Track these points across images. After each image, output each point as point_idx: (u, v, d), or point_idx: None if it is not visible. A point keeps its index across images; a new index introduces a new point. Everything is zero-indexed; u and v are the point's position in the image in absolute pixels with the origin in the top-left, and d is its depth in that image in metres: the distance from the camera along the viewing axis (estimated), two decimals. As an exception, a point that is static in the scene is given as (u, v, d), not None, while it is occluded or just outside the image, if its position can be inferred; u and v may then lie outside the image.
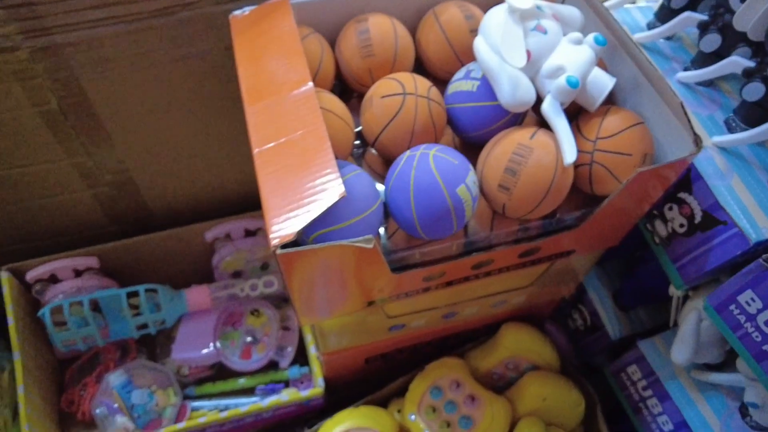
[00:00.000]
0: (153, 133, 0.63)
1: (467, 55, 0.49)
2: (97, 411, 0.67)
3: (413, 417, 0.64)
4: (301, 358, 0.74)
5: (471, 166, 0.42)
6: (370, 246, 0.36)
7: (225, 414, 0.65)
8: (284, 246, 0.35)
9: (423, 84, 0.45)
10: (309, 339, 0.69)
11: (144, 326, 0.69)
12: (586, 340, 0.71)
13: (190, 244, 0.72)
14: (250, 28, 0.47)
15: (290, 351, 0.73)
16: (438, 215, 0.40)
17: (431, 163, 0.40)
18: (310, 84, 0.41)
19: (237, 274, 0.75)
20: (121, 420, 0.65)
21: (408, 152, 0.41)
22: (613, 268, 0.69)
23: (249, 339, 0.72)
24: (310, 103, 0.40)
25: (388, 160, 0.45)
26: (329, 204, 0.35)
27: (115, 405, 0.66)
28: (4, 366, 0.63)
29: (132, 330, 0.69)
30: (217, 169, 0.70)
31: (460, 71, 0.48)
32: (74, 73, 0.54)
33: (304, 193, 0.36)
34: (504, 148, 0.42)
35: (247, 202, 0.74)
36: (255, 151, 0.39)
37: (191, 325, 0.71)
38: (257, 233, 0.75)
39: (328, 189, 0.36)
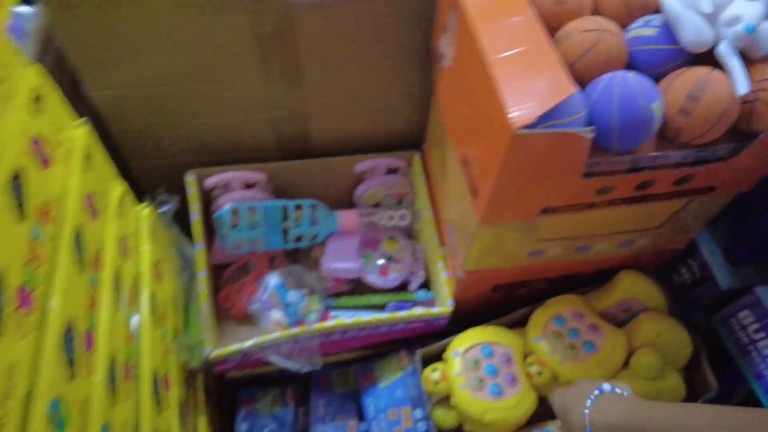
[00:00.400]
0: (335, 73, 0.72)
1: (637, 9, 0.57)
2: (254, 307, 0.76)
3: (538, 339, 0.72)
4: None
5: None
6: (590, 136, 0.45)
7: (367, 318, 0.73)
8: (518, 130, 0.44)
9: (614, 25, 0.53)
10: (440, 266, 0.78)
11: (299, 238, 0.78)
12: (693, 293, 0.78)
13: (340, 173, 0.82)
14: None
15: (421, 275, 0.81)
16: (635, 124, 0.48)
17: (633, 82, 0.48)
18: (531, 12, 0.50)
19: (375, 206, 0.84)
20: (277, 315, 0.75)
21: (608, 75, 0.50)
22: (722, 228, 0.76)
23: (385, 260, 0.81)
24: (534, 26, 0.49)
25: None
26: (562, 98, 0.44)
27: (271, 302, 0.75)
28: (189, 257, 0.72)
29: (287, 241, 0.78)
30: (377, 112, 0.79)
31: (638, 21, 0.56)
32: (291, 5, 0.64)
33: (538, 89, 0.45)
34: (686, 79, 0.50)
35: (392, 143, 0.83)
36: (491, 58, 0.48)
37: (337, 243, 0.80)
38: (397, 171, 0.84)
39: (559, 86, 0.44)
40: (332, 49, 0.69)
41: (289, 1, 0.63)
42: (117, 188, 0.59)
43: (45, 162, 0.46)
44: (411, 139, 0.83)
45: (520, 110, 0.44)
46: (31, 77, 0.46)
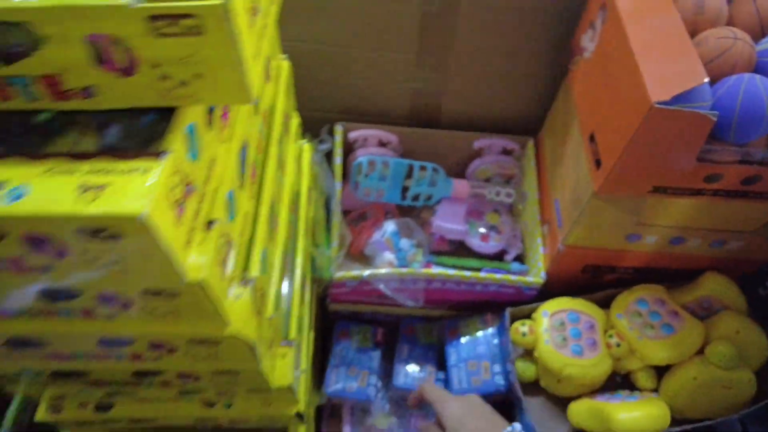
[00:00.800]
0: (477, 57, 0.83)
1: (768, 29, 0.65)
2: (370, 247, 0.87)
3: (620, 316, 0.79)
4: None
5: (782, 94, 0.57)
6: (714, 118, 0.53)
7: (468, 273, 0.83)
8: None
9: (747, 36, 0.61)
10: (538, 241, 0.86)
11: (416, 197, 0.89)
12: (777, 304, 0.82)
13: (460, 145, 0.92)
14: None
15: (519, 246, 0.90)
16: (756, 117, 0.56)
17: (759, 82, 0.56)
18: (675, 15, 0.59)
19: (486, 181, 0.94)
20: (389, 256, 0.86)
21: (736, 75, 0.58)
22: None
23: (487, 230, 0.90)
24: (677, 25, 0.58)
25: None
26: (695, 84, 0.53)
27: (386, 245, 0.87)
28: (329, 193, 0.85)
29: (405, 198, 0.89)
30: (503, 97, 0.89)
31: (769, 37, 0.63)
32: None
33: (674, 74, 0.54)
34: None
35: (508, 126, 0.93)
36: (635, 47, 0.57)
37: (448, 206, 0.90)
38: (510, 153, 0.93)
39: (693, 74, 0.53)
40: (482, 35, 0.80)
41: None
42: (295, 118, 0.72)
43: (267, 77, 0.60)
44: (525, 125, 0.93)
45: (658, 88, 0.53)
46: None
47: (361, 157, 0.86)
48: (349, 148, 0.91)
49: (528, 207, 0.91)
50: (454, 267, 0.91)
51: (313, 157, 0.80)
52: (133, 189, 0.33)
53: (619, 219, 0.72)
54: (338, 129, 0.88)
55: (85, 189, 0.33)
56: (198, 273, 0.39)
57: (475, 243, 0.90)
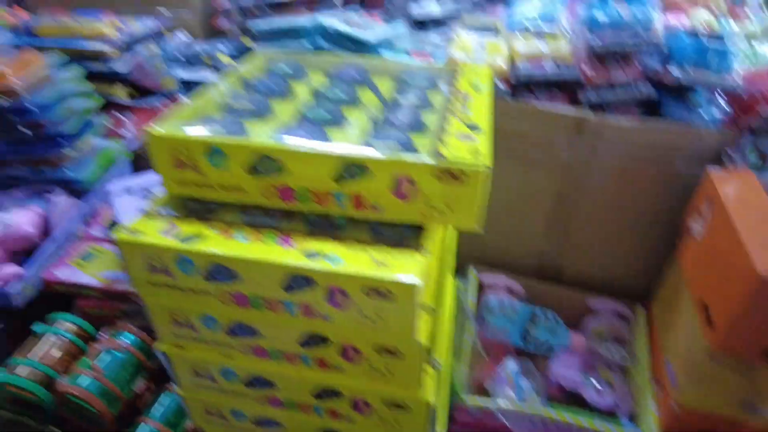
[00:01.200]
0: (593, 230, 1.01)
1: None
2: (493, 381, 0.98)
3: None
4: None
5: None
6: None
7: (584, 422, 0.90)
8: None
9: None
10: (650, 402, 0.93)
11: (537, 344, 1.01)
12: None
13: (577, 302, 1.06)
14: (730, 178, 0.83)
15: (630, 404, 0.97)
16: None
17: None
18: (775, 211, 0.75)
19: (599, 337, 1.05)
20: (510, 392, 0.96)
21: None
22: None
23: (600, 385, 0.99)
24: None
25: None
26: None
27: (507, 380, 0.97)
28: (464, 322, 1.00)
29: (527, 342, 1.02)
30: (614, 264, 1.05)
31: None
32: (591, 174, 0.96)
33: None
34: None
35: (621, 289, 1.06)
36: (742, 232, 0.72)
37: (564, 356, 1.01)
38: (623, 318, 1.05)
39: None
40: (601, 213, 0.99)
41: (589, 170, 0.95)
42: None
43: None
44: (636, 288, 1.05)
45: (764, 263, 0.67)
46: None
47: (492, 299, 1.02)
48: (482, 290, 1.07)
49: (639, 367, 0.99)
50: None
51: (457, 291, 0.97)
52: (409, 266, 0.51)
53: (733, 381, 0.80)
54: (474, 273, 1.06)
55: (376, 261, 0.52)
56: (423, 338, 0.54)
57: (591, 396, 0.98)
